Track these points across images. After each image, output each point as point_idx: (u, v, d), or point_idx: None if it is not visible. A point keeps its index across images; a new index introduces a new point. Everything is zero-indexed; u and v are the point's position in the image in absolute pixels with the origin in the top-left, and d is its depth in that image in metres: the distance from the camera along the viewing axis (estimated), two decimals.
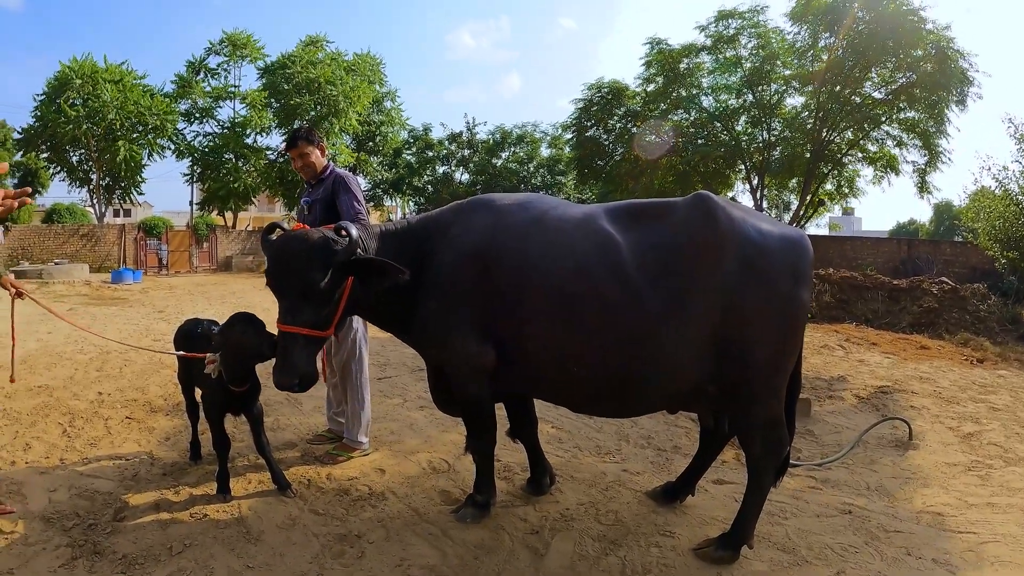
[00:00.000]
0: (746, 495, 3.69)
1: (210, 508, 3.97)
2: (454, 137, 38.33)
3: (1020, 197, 16.74)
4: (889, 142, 20.88)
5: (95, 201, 32.65)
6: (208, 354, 4.00)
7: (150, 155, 32.50)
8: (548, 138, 37.36)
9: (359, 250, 3.59)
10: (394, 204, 41.55)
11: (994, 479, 5.28)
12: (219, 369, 3.95)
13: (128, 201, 34.28)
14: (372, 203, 37.66)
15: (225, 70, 34.25)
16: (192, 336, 4.43)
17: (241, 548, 3.53)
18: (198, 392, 4.60)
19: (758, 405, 3.51)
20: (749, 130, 22.56)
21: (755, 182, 23.50)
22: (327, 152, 5.11)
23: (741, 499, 3.75)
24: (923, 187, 20.40)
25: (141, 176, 32.62)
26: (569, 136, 28.15)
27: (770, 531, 4.02)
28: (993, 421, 6.88)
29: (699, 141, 22.69)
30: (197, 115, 34.00)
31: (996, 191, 17.55)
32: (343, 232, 3.54)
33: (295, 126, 32.78)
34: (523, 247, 3.57)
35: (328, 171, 4.91)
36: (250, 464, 4.68)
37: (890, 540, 4.05)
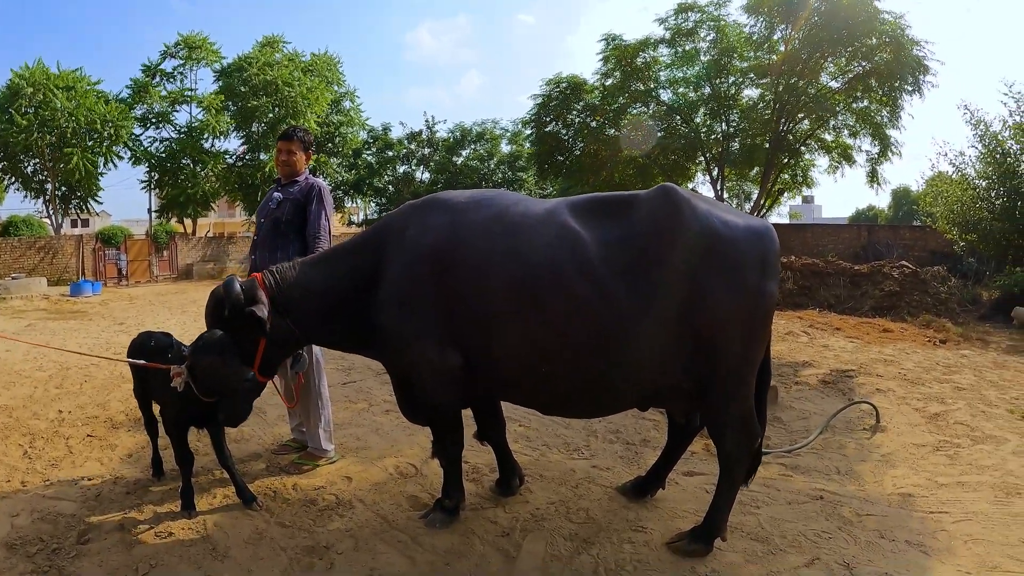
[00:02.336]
0: (718, 488, 3.64)
1: (175, 526, 3.85)
2: (414, 136, 37.98)
3: (977, 181, 17.11)
4: (844, 132, 21.18)
5: (51, 212, 31.80)
6: (174, 366, 3.83)
7: (105, 163, 31.71)
8: (508, 134, 37.23)
9: (261, 304, 3.62)
10: (355, 205, 41.09)
11: (962, 458, 5.30)
12: (185, 382, 3.77)
13: (85, 211, 33.46)
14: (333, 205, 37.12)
15: (181, 73, 33.52)
16: (144, 349, 4.26)
17: (208, 566, 3.42)
18: (157, 407, 4.46)
19: (729, 399, 3.47)
20: (708, 122, 22.70)
21: (715, 173, 23.67)
22: (308, 163, 5.06)
23: (712, 491, 3.71)
24: (874, 177, 20.76)
25: (98, 184, 31.80)
26: (529, 132, 28.07)
27: (742, 521, 3.98)
28: (959, 400, 6.94)
29: (659, 134, 22.75)
30: (153, 120, 33.27)
31: (953, 176, 17.89)
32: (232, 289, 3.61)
33: (253, 129, 32.31)
34: (484, 245, 3.47)
35: (305, 176, 4.88)
36: (215, 479, 4.53)
37: (863, 524, 4.04)
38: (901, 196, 46.04)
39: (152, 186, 34.46)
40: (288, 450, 5.09)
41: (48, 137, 28.83)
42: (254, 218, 4.23)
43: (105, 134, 30.47)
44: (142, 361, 4.12)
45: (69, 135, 29.26)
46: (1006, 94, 16.37)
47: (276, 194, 4.87)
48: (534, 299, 3.36)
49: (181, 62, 33.34)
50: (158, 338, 4.32)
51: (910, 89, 17.43)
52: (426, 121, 38.29)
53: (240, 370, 3.67)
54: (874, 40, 17.35)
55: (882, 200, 55.91)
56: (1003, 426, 6.09)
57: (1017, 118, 16.16)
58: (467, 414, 4.03)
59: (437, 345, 3.52)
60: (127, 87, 32.95)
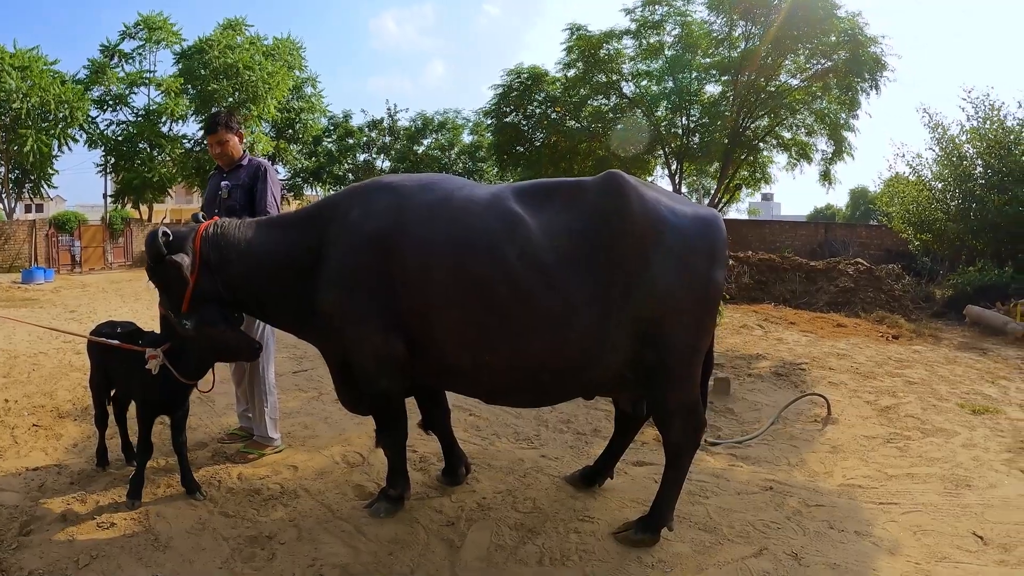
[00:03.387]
0: (664, 478, 3.59)
1: (118, 516, 3.72)
2: (375, 124, 37.49)
3: (933, 183, 17.50)
4: (802, 130, 21.41)
5: (3, 196, 30.72)
6: (149, 349, 3.72)
7: (60, 146, 30.70)
8: (470, 124, 36.91)
9: (187, 252, 3.57)
10: (315, 193, 40.52)
11: (912, 450, 5.35)
12: (161, 364, 3.67)
13: (39, 195, 32.41)
14: (292, 192, 36.54)
15: (140, 55, 32.49)
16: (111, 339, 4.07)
17: (149, 557, 3.32)
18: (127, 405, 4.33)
19: (676, 388, 3.41)
20: (669, 116, 22.72)
21: (674, 167, 23.76)
22: (245, 140, 4.88)
23: (660, 481, 3.64)
24: (827, 176, 21.08)
25: (52, 168, 30.78)
26: (489, 122, 27.83)
27: (691, 511, 3.93)
28: (910, 394, 7.02)
29: (619, 127, 22.73)
30: (110, 102, 32.24)
31: (910, 177, 18.28)
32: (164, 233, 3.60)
33: (213, 112, 31.47)
34: (428, 229, 3.35)
35: (245, 158, 4.74)
36: (159, 468, 4.36)
37: (812, 514, 4.02)
38: (859, 196, 46.80)
39: (108, 170, 33.45)
40: (235, 438, 4.96)
41: (1, 118, 27.84)
42: (201, 213, 4.06)
43: (60, 116, 29.50)
44: (116, 342, 3.94)
45: (23, 116, 28.27)
46: (964, 99, 16.97)
47: (224, 183, 4.72)
48: (477, 285, 3.26)
49: (141, 43, 32.34)
50: (123, 327, 4.17)
51: (868, 86, 17.66)
52: (388, 109, 37.79)
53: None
54: (833, 38, 17.52)
55: (840, 199, 56.89)
56: (953, 420, 6.17)
57: (974, 123, 16.67)
58: (411, 402, 3.95)
59: (379, 330, 3.41)
60: (84, 68, 31.91)
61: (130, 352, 3.85)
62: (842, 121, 19.59)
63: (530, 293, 3.22)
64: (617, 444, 4.18)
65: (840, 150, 20.27)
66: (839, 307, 12.96)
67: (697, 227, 3.37)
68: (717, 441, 5.35)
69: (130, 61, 32.49)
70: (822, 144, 21.03)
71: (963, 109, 17.50)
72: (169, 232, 3.63)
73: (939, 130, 17.33)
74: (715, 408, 6.28)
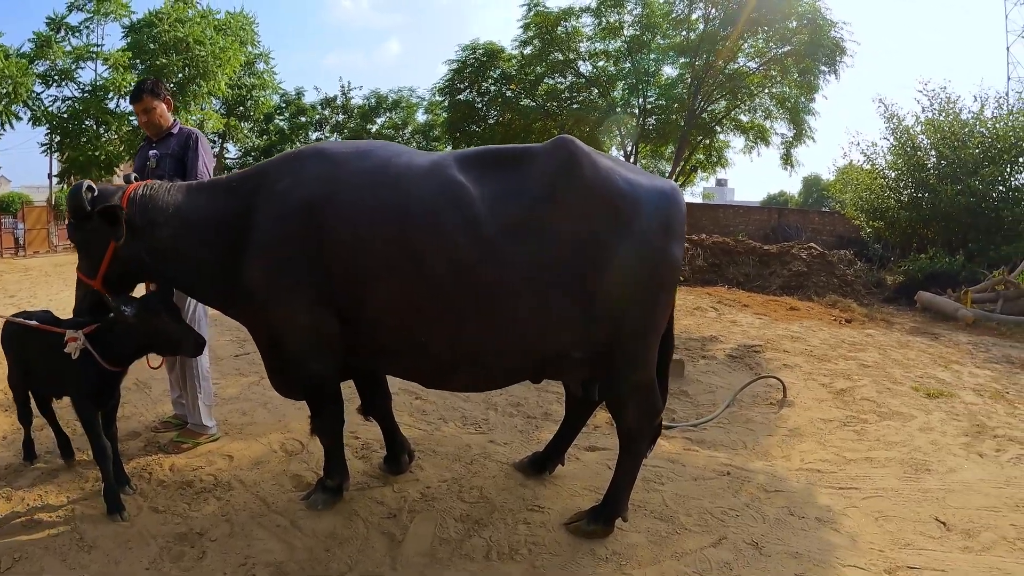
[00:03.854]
0: (618, 464, 3.38)
1: (43, 514, 3.44)
2: (328, 102, 36.57)
3: (887, 172, 17.74)
4: (760, 113, 21.46)
5: None
6: (69, 331, 3.36)
7: (3, 124, 29.27)
8: (424, 103, 36.22)
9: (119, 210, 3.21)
10: None
11: (870, 433, 5.27)
12: (80, 348, 3.31)
13: None
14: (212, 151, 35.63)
15: (88, 28, 31.14)
16: (22, 333, 3.68)
17: (74, 558, 3.08)
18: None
19: (629, 370, 3.20)
20: (626, 97, 22.54)
21: (629, 148, 23.63)
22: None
23: (613, 468, 3.45)
24: (787, 159, 21.18)
25: None
26: (442, 99, 27.27)
27: (646, 499, 3.74)
28: (864, 377, 6.96)
29: (574, 106, 22.46)
30: (56, 77, 30.81)
31: (865, 165, 18.52)
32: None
33: (138, 80, 30.32)
34: (363, 198, 3.07)
35: (175, 127, 4.46)
36: (89, 461, 4.01)
37: (771, 500, 3.88)
38: (812, 183, 47.50)
39: (52, 149, 32.10)
40: (169, 427, 4.67)
41: None
42: (133, 175, 3.69)
43: (3, 92, 28.11)
44: (34, 323, 3.57)
45: None
46: (920, 91, 17.31)
47: (152, 152, 4.42)
48: (413, 257, 2.99)
49: (89, 16, 31.03)
50: (39, 317, 3.73)
51: (826, 70, 17.72)
52: (342, 87, 36.84)
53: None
54: (793, 23, 17.50)
55: (793, 186, 57.73)
56: (909, 403, 6.12)
57: (930, 114, 16.99)
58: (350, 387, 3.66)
59: (308, 307, 3.12)
60: (29, 41, 30.45)
61: (49, 339, 3.46)
62: (802, 104, 19.62)
63: (472, 267, 2.96)
64: (568, 429, 3.96)
65: (800, 133, 20.33)
66: (792, 291, 12.98)
67: (654, 199, 3.14)
68: (672, 424, 5.18)
69: (77, 34, 31.03)
70: (782, 128, 21.06)
71: (919, 101, 18.23)
72: (95, 187, 3.31)
73: (894, 120, 17.61)
74: (670, 391, 6.09)
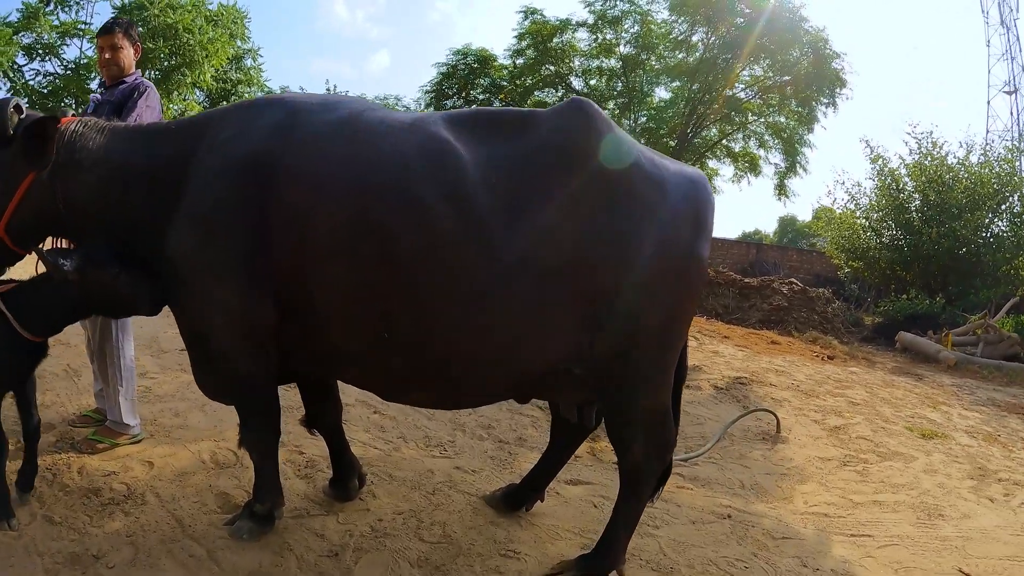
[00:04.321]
0: (618, 508, 2.79)
1: None
2: None
3: (870, 212, 18.01)
4: (754, 142, 21.33)
5: None
6: None
7: None
8: (411, 111, 36.04)
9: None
10: None
11: (873, 475, 4.89)
12: None
13: None
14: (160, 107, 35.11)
15: (78, 3, 30.40)
16: None
17: None
18: None
19: (641, 392, 2.62)
20: (617, 117, 22.24)
21: None
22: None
23: (601, 506, 2.90)
24: (782, 190, 21.04)
25: None
26: (427, 103, 26.73)
27: (640, 545, 3.15)
28: (856, 415, 6.61)
29: None
30: (40, 51, 29.94)
31: (849, 205, 18.89)
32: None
33: (145, 74, 29.71)
34: (320, 156, 2.47)
35: (133, 76, 3.97)
36: None
37: (780, 549, 3.41)
38: (787, 224, 48.03)
39: None
40: (88, 422, 4.00)
41: None
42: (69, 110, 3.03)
43: None
44: None
45: None
46: (909, 133, 17.58)
47: (94, 96, 4.00)
48: (380, 233, 2.39)
49: None
50: None
51: (826, 101, 17.68)
52: (327, 90, 36.56)
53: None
54: (796, 52, 17.38)
55: (769, 225, 58.32)
56: (906, 443, 5.80)
57: (916, 156, 17.26)
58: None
59: (240, 289, 2.50)
60: (17, 11, 29.49)
61: None
62: (797, 137, 19.50)
63: (447, 245, 2.38)
64: (552, 459, 3.34)
65: (794, 164, 20.19)
66: (772, 325, 12.67)
67: (682, 185, 2.61)
68: None
69: (66, 9, 30.26)
70: (775, 158, 20.90)
71: (907, 143, 18.21)
72: (23, 107, 2.67)
73: (879, 161, 17.83)
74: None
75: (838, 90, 17.24)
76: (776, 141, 19.98)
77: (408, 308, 2.43)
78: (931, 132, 17.31)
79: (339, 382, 3.18)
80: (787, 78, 17.61)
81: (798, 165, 19.85)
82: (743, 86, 19.38)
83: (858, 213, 18.44)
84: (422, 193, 2.37)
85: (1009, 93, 37.16)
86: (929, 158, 16.95)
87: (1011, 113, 36.47)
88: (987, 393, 8.73)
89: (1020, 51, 37.34)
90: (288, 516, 3.06)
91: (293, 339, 2.59)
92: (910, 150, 17.51)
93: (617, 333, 2.49)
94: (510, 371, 2.56)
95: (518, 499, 3.32)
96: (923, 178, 16.60)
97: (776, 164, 20.78)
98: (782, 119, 19.34)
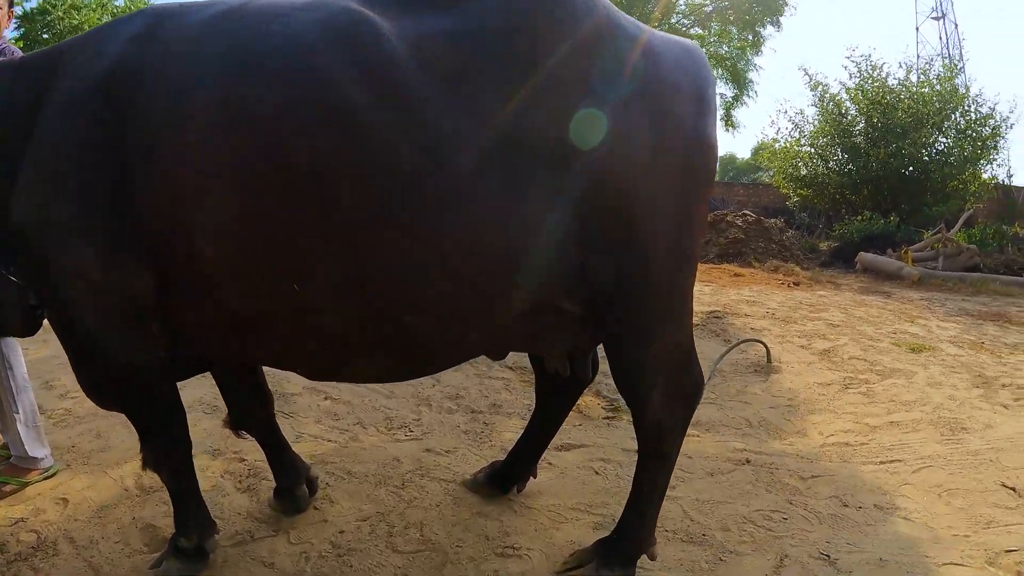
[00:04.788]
0: (639, 476, 2.21)
1: None
2: None
3: (815, 139, 18.12)
4: None
5: None
6: None
7: None
8: None
9: None
10: None
11: (879, 394, 4.52)
12: None
13: None
14: None
15: None
16: None
17: None
18: None
19: (657, 324, 2.03)
20: None
21: None
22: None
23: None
24: (728, 121, 20.72)
25: None
26: None
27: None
28: (840, 336, 6.29)
29: None
30: None
31: (794, 134, 18.84)
32: None
33: None
34: (188, 60, 1.80)
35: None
36: None
37: (813, 491, 2.97)
38: (727, 163, 48.55)
39: None
40: None
41: None
42: None
43: None
44: None
45: None
46: (848, 57, 17.51)
47: None
48: (274, 140, 1.74)
49: None
50: None
51: (770, 20, 17.32)
52: None
53: None
54: None
55: None
56: (899, 359, 5.52)
57: (856, 80, 17.21)
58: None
59: (104, 254, 1.84)
60: None
61: None
62: (743, 63, 19.09)
63: (375, 144, 1.74)
64: (542, 426, 2.75)
65: (741, 92, 19.78)
66: (731, 258, 12.44)
67: (676, 54, 2.02)
68: None
69: None
70: (721, 88, 20.49)
71: (846, 68, 18.08)
72: None
73: (819, 88, 17.73)
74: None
75: (784, 4, 16.83)
76: (721, 72, 19.50)
77: (329, 243, 1.78)
78: (869, 55, 17.29)
79: (266, 368, 2.56)
80: (726, 3, 17.13)
81: (745, 94, 19.45)
82: (680, 16, 18.78)
83: (803, 141, 18.38)
84: (332, 80, 1.72)
85: (936, 19, 38.56)
86: (870, 81, 16.94)
87: (940, 38, 37.73)
88: (957, 304, 8.70)
89: None
90: (227, 544, 2.44)
91: (183, 314, 1.94)
92: (850, 74, 17.47)
93: (614, 249, 1.90)
94: (479, 315, 1.93)
95: (506, 479, 2.74)
96: (865, 101, 16.60)
97: (722, 94, 20.41)
98: (724, 48, 18.82)
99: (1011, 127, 16.73)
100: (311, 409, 3.70)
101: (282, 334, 1.95)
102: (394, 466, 3.06)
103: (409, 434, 3.48)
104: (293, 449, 2.75)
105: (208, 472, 2.95)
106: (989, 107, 16.67)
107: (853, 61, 17.39)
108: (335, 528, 2.55)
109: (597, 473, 2.92)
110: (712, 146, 2.03)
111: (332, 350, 1.99)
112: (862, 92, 16.82)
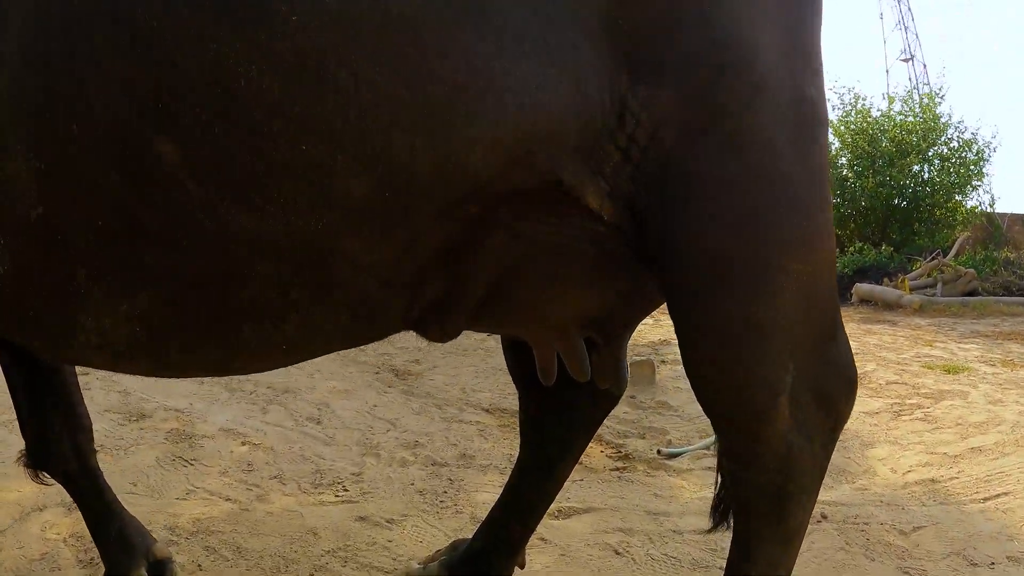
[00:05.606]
0: (748, 548, 1.22)
1: None
2: None
3: None
4: None
5: None
6: None
7: None
8: None
9: None
10: None
11: (940, 419, 3.91)
12: None
13: None
14: None
15: None
16: None
17: None
18: None
19: (784, 247, 1.12)
20: None
21: None
22: None
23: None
24: None
25: None
26: None
27: None
28: (865, 363, 5.59)
29: None
30: None
31: None
32: None
33: None
34: None
35: None
36: None
37: (923, 548, 2.25)
38: None
39: None
40: None
41: None
42: None
43: None
44: None
45: None
46: (831, 90, 17.79)
47: None
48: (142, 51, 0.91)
49: None
50: None
51: None
52: None
53: None
54: None
55: None
56: (942, 380, 4.95)
57: (840, 113, 17.45)
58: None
59: None
60: None
61: None
62: None
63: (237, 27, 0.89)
64: (535, 480, 1.74)
65: None
66: None
67: None
68: (675, 450, 3.24)
69: None
70: None
71: (829, 100, 18.31)
72: None
73: None
74: (643, 404, 4.28)
75: None
76: None
77: (179, 171, 0.90)
78: (852, 88, 18.34)
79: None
80: None
81: None
82: None
83: None
84: None
85: (905, 60, 40.14)
86: (853, 112, 17.18)
87: (909, 79, 39.44)
88: (968, 327, 8.30)
89: (912, 20, 40.61)
90: None
91: None
92: (832, 107, 17.67)
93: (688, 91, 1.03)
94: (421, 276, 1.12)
95: (478, 566, 1.74)
96: (849, 132, 16.77)
97: None
98: None
99: (994, 151, 17.06)
100: (219, 456, 2.69)
101: (98, 306, 1.08)
102: (307, 542, 2.08)
103: (342, 494, 2.44)
104: (134, 516, 1.78)
105: (50, 532, 2.11)
106: (972, 132, 17.03)
107: (836, 92, 17.60)
108: None
109: (618, 552, 1.98)
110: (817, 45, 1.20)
111: (181, 333, 1.16)
112: (845, 125, 16.97)
